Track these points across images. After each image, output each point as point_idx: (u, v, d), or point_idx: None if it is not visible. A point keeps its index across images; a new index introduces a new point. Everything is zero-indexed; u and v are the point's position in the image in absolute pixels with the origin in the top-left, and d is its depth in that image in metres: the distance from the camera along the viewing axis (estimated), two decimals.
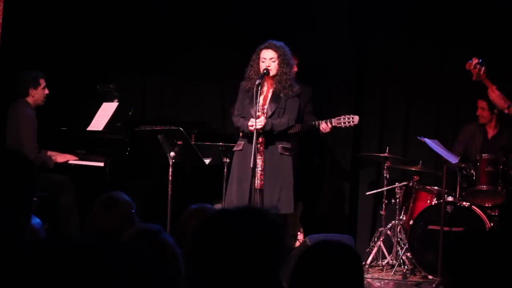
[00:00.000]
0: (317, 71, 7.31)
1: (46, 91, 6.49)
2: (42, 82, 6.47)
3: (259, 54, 5.76)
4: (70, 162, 6.58)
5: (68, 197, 6.32)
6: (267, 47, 5.75)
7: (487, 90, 6.24)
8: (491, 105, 6.40)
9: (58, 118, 7.10)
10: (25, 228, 1.97)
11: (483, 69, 5.93)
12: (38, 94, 6.45)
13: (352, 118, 6.31)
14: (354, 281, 2.14)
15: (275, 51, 5.72)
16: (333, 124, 6.30)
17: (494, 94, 6.08)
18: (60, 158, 6.51)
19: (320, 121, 6.40)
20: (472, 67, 5.97)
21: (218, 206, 5.92)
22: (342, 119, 6.32)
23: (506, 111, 6.17)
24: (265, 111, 5.76)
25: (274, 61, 5.72)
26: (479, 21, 7.08)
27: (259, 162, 5.71)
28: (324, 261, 2.12)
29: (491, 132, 6.64)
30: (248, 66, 5.82)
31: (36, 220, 2.59)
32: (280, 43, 5.77)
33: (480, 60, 5.92)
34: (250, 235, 1.81)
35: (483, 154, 6.32)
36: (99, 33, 7.73)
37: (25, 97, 6.43)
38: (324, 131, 6.47)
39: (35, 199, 1.97)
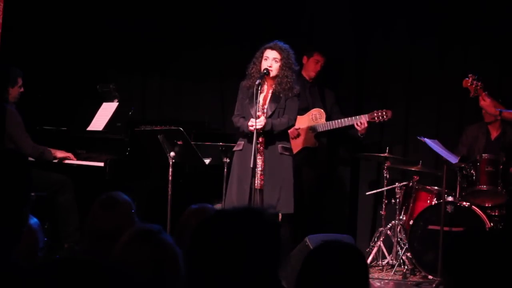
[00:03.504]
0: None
1: (21, 89, 6.44)
2: (19, 81, 6.41)
3: (263, 53, 5.77)
4: (70, 162, 6.57)
5: (68, 197, 6.32)
6: (272, 48, 5.75)
7: (478, 106, 6.29)
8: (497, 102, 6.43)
9: (58, 118, 7.10)
10: (25, 224, 1.97)
11: (479, 84, 6.00)
12: (14, 92, 6.40)
13: (385, 112, 6.60)
14: (360, 281, 2.14)
15: (279, 53, 5.72)
16: (367, 119, 6.73)
17: (485, 102, 6.15)
18: (60, 153, 6.51)
19: (351, 118, 6.62)
20: (469, 84, 6.05)
21: (218, 206, 5.92)
22: (375, 113, 6.62)
23: (499, 118, 6.22)
24: (265, 111, 5.76)
25: (276, 62, 5.72)
26: (480, 21, 7.08)
27: (259, 162, 5.71)
28: (330, 263, 2.12)
29: (494, 133, 6.63)
30: (251, 63, 5.82)
31: (34, 220, 2.59)
32: (285, 46, 5.77)
33: (476, 76, 5.99)
34: (249, 235, 1.81)
35: (483, 154, 6.32)
36: (99, 33, 7.73)
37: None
38: (361, 127, 6.65)
39: (32, 194, 1.97)
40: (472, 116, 6.86)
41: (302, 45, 7.04)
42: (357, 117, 6.79)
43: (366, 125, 6.77)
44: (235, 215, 1.86)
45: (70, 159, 6.55)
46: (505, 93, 6.70)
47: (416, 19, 7.30)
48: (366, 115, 6.78)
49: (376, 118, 6.76)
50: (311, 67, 7.12)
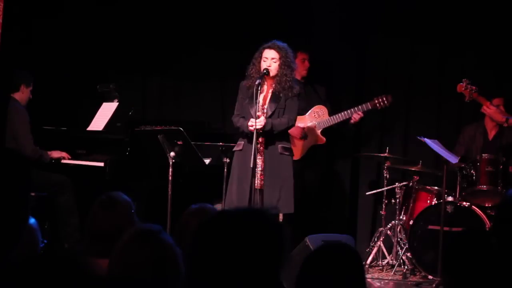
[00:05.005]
0: (317, 71, 7.31)
1: (31, 96, 6.52)
2: (32, 85, 6.51)
3: (261, 53, 5.78)
4: (70, 162, 6.58)
5: (68, 197, 6.32)
6: (270, 47, 5.76)
7: (481, 107, 6.30)
8: (508, 103, 6.46)
9: (58, 118, 7.10)
10: (25, 225, 1.98)
11: (474, 88, 6.02)
12: (26, 93, 6.48)
13: (385, 98, 6.77)
14: (356, 282, 2.16)
15: (278, 52, 5.73)
16: (369, 107, 6.81)
17: (490, 110, 6.19)
18: (55, 154, 6.54)
19: (348, 111, 6.67)
20: (463, 89, 6.07)
21: (218, 206, 5.92)
22: (376, 100, 6.70)
23: (505, 125, 6.24)
24: (265, 111, 5.77)
25: (275, 62, 5.73)
26: (480, 21, 7.08)
27: (259, 162, 5.71)
28: (327, 265, 2.14)
29: (491, 133, 6.64)
30: (250, 64, 5.83)
31: (32, 220, 2.59)
32: (283, 45, 5.78)
33: (470, 81, 6.01)
34: (250, 236, 1.81)
35: (483, 154, 6.32)
36: (99, 33, 7.73)
37: (14, 93, 6.44)
38: (355, 121, 6.71)
39: (32, 194, 1.99)
40: (472, 116, 6.86)
41: (302, 45, 7.05)
42: (359, 106, 6.81)
43: (362, 115, 6.83)
44: (238, 216, 1.86)
45: (65, 159, 6.57)
46: (504, 94, 6.69)
47: (416, 19, 7.30)
48: (368, 103, 6.81)
49: (377, 104, 6.81)
50: (300, 67, 7.10)
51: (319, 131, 6.92)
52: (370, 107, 6.84)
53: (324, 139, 6.95)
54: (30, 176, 1.97)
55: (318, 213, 7.43)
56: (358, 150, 7.43)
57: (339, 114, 6.89)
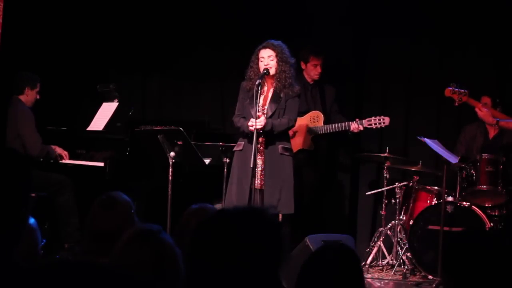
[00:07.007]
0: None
1: (38, 96, 6.56)
2: (38, 86, 6.55)
3: (258, 54, 5.78)
4: (70, 162, 6.58)
5: (68, 197, 6.33)
6: (265, 47, 5.77)
7: (474, 109, 6.30)
8: (495, 102, 6.44)
9: (58, 118, 7.11)
10: (25, 224, 1.98)
11: (463, 91, 6.01)
12: (31, 95, 6.53)
13: (383, 119, 6.61)
14: (354, 282, 2.17)
15: (273, 49, 5.74)
16: (364, 126, 6.62)
17: (482, 113, 6.18)
18: (58, 149, 6.58)
19: (350, 122, 6.56)
20: (451, 93, 6.05)
21: (218, 206, 5.92)
22: (373, 120, 6.61)
23: (497, 127, 6.25)
24: (265, 111, 5.77)
25: (272, 60, 5.74)
26: (480, 21, 7.09)
27: (259, 162, 5.71)
28: (326, 266, 2.15)
29: (492, 132, 6.65)
30: (248, 67, 5.83)
31: (31, 220, 2.59)
32: (278, 42, 5.80)
33: (458, 84, 6.00)
34: (249, 235, 1.81)
35: (483, 154, 6.32)
36: (99, 33, 7.73)
37: (19, 95, 6.47)
38: (355, 131, 6.63)
39: (33, 195, 1.98)
40: (472, 116, 6.86)
41: (302, 45, 7.05)
42: (354, 122, 6.70)
43: (361, 129, 6.72)
44: (236, 215, 1.86)
45: (64, 159, 6.58)
46: (503, 94, 6.69)
47: (416, 19, 7.30)
48: (363, 120, 6.70)
49: (373, 124, 6.67)
50: (311, 72, 7.09)
51: (310, 137, 6.87)
52: (365, 126, 6.67)
53: (313, 146, 6.90)
54: (31, 175, 1.97)
55: (318, 213, 7.42)
56: (358, 150, 7.43)
57: (333, 125, 6.78)
